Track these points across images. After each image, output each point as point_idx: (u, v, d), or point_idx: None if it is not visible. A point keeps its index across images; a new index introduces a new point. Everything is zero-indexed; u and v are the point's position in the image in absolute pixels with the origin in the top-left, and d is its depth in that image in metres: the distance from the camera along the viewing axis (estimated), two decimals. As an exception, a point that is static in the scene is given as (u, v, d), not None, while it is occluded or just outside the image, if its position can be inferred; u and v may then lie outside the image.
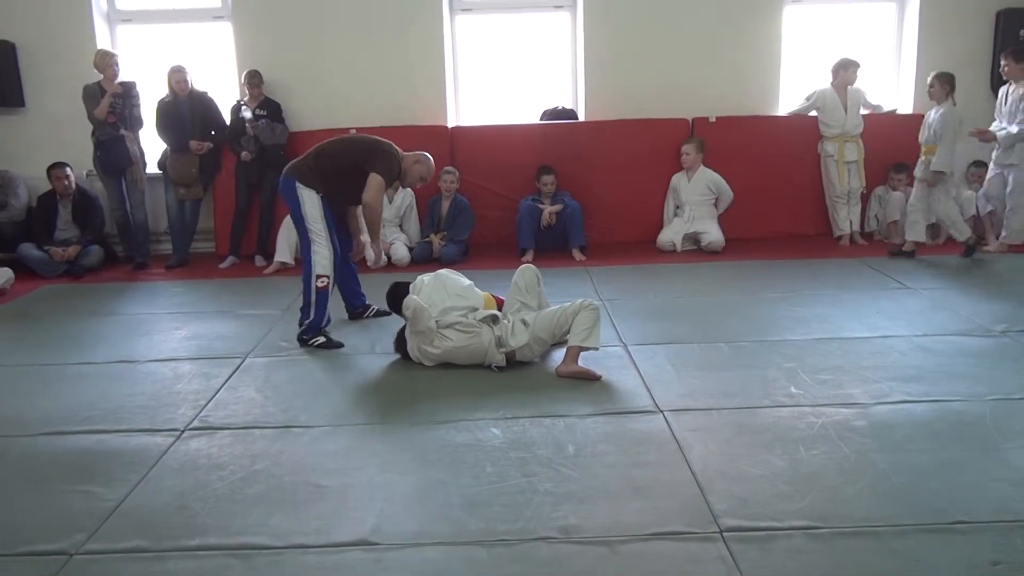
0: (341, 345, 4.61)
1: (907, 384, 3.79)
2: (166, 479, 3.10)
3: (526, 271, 4.53)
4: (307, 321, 4.62)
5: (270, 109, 7.00)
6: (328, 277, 4.60)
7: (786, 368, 4.04)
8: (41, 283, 6.44)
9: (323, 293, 4.59)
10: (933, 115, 6.32)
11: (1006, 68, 6.41)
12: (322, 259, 4.59)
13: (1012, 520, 2.64)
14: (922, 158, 6.42)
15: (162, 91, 6.90)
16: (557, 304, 4.27)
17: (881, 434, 3.29)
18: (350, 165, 4.60)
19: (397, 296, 4.56)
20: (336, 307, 5.13)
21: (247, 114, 6.87)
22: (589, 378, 3.99)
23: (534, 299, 4.45)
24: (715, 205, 7.09)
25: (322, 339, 4.61)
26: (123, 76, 6.77)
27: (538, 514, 2.75)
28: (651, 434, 3.37)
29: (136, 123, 6.86)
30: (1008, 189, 6.51)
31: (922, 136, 6.40)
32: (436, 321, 4.16)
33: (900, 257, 6.44)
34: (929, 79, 6.34)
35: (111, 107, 6.62)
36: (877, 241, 7.15)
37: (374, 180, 4.55)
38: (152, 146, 7.05)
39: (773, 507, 2.75)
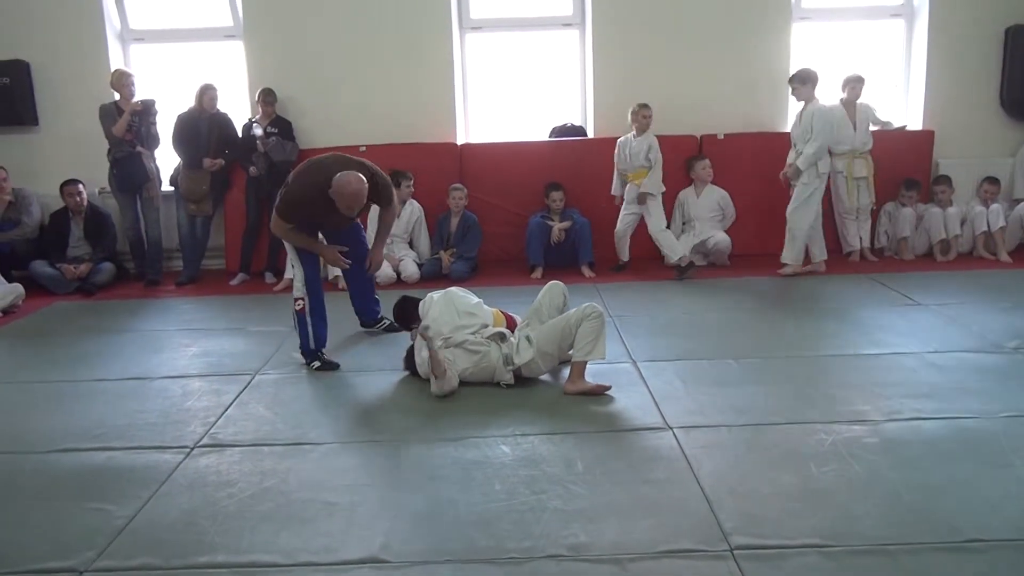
0: (337, 366, 4.57)
1: (918, 401, 3.77)
2: (176, 496, 3.10)
3: (553, 287, 4.49)
4: (299, 345, 4.65)
5: (281, 127, 7.05)
6: (303, 299, 4.58)
7: (796, 385, 4.03)
8: (53, 300, 6.48)
9: (301, 315, 4.58)
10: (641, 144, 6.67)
11: (795, 90, 6.43)
12: (297, 282, 4.62)
13: (1027, 538, 2.62)
14: (633, 183, 6.73)
15: (174, 109, 6.96)
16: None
17: (893, 451, 3.27)
18: (311, 188, 4.48)
19: (405, 311, 4.58)
20: (350, 320, 5.15)
21: (258, 131, 6.92)
22: (597, 392, 3.98)
23: (555, 316, 4.35)
24: (721, 221, 7.13)
25: (318, 363, 4.59)
26: (140, 95, 6.83)
27: (547, 532, 2.74)
28: (660, 451, 3.36)
29: (153, 141, 6.92)
30: (791, 207, 6.51)
31: (633, 163, 6.73)
32: (447, 339, 4.16)
33: (684, 279, 6.53)
34: (636, 108, 6.68)
35: (128, 125, 6.68)
36: (887, 257, 7.13)
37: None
38: (166, 163, 7.11)
39: (784, 525, 2.74)
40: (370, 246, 5.00)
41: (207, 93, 6.88)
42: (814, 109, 6.34)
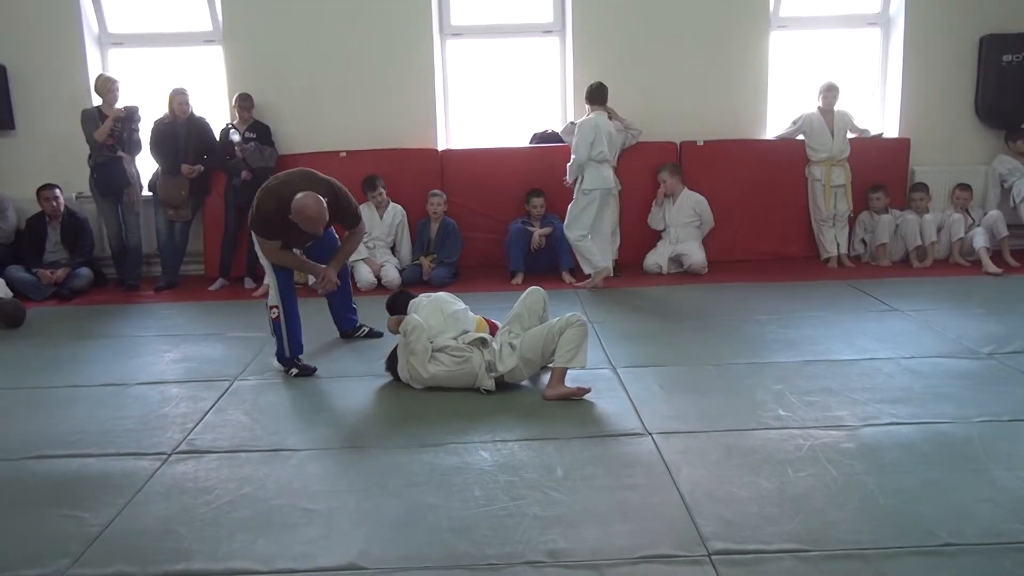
0: (314, 370, 4.56)
1: (895, 406, 3.81)
2: (152, 503, 3.08)
3: (533, 293, 4.49)
4: (275, 352, 4.64)
5: (259, 132, 7.01)
6: (278, 307, 4.57)
7: (774, 390, 4.05)
8: (29, 306, 6.40)
9: (277, 323, 4.57)
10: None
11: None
12: (272, 290, 4.61)
13: (1001, 542, 2.65)
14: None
15: (155, 114, 6.91)
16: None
17: (869, 456, 3.29)
18: (274, 213, 4.44)
19: (398, 303, 4.55)
20: (328, 327, 5.14)
21: (235, 137, 6.89)
22: (577, 396, 3.99)
23: (536, 322, 4.38)
24: (699, 227, 7.14)
25: (295, 370, 4.57)
26: (121, 100, 6.78)
27: (526, 538, 2.74)
28: (639, 457, 3.37)
29: (135, 146, 6.86)
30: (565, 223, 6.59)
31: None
32: (430, 342, 4.16)
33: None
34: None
35: (110, 130, 6.63)
36: (864, 263, 7.19)
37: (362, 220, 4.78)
38: (146, 168, 7.06)
39: (761, 530, 2.75)
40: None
41: (176, 98, 6.82)
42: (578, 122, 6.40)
